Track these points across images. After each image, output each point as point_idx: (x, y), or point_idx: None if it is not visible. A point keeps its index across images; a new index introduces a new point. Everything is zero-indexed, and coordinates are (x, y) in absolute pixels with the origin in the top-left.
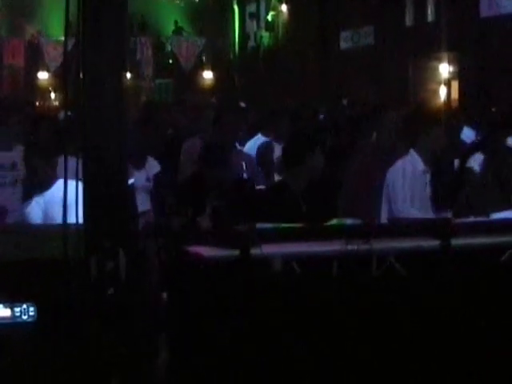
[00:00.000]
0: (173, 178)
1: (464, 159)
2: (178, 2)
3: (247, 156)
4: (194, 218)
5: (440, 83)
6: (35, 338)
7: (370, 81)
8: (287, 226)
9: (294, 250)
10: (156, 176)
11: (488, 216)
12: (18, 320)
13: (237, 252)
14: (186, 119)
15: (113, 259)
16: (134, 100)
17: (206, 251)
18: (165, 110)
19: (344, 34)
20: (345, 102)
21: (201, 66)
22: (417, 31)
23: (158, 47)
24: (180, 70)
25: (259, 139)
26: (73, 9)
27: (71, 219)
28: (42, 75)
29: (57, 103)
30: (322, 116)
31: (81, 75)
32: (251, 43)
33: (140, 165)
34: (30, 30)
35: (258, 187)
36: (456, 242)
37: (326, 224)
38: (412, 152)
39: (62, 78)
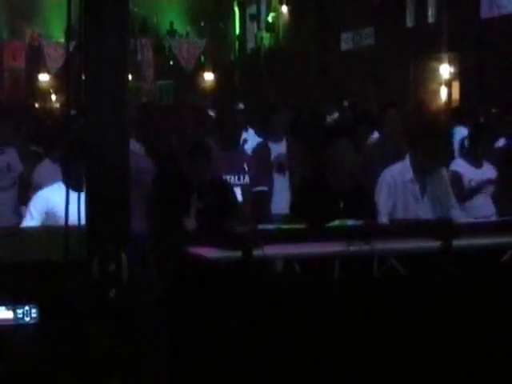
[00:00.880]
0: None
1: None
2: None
3: (248, 157)
4: (180, 220)
5: (441, 84)
6: (37, 340)
7: (370, 82)
8: (289, 227)
9: (296, 251)
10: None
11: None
12: (20, 322)
13: (239, 253)
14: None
15: (115, 261)
16: (134, 101)
17: (208, 252)
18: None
19: (345, 35)
20: (346, 102)
21: (201, 68)
22: (417, 32)
23: (159, 49)
24: (180, 72)
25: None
26: (74, 10)
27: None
28: (43, 77)
29: (57, 105)
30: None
31: (83, 76)
32: (252, 44)
33: None
34: (31, 32)
35: (259, 188)
36: (457, 242)
37: (327, 225)
38: (406, 160)
39: (63, 79)
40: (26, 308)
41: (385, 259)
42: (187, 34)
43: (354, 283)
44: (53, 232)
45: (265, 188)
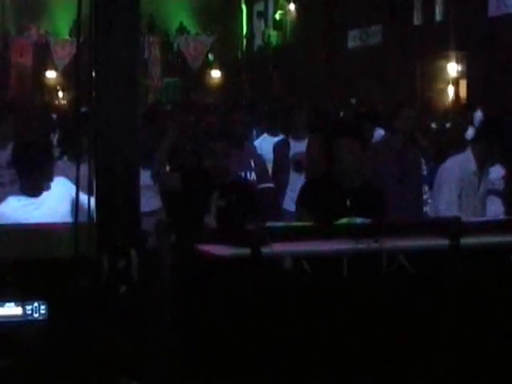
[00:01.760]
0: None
1: None
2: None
3: (255, 155)
4: (200, 218)
5: (448, 82)
6: (46, 336)
7: (377, 80)
8: (297, 225)
9: (305, 249)
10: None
11: None
12: (30, 318)
13: (247, 250)
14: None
15: (125, 257)
16: (141, 99)
17: (217, 249)
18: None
19: (352, 33)
20: (353, 100)
21: (209, 65)
22: (425, 30)
23: (166, 46)
24: (188, 69)
25: (265, 139)
26: (84, 7)
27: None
28: (50, 74)
29: (65, 102)
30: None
31: (93, 73)
32: (259, 42)
33: (145, 163)
34: (38, 29)
35: (264, 185)
36: (465, 240)
37: (336, 223)
38: (468, 151)
39: (71, 76)
40: (35, 304)
41: (393, 257)
42: (195, 31)
43: (363, 281)
44: (62, 228)
45: (270, 185)
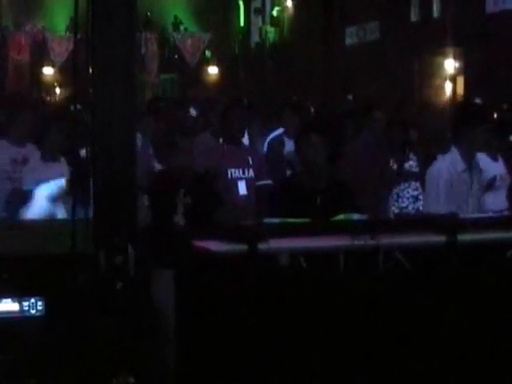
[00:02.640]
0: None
1: None
2: None
3: (253, 151)
4: (169, 218)
5: (445, 79)
6: (43, 332)
7: (375, 76)
8: (295, 221)
9: (302, 245)
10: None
11: None
12: (26, 314)
13: (245, 247)
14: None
15: (122, 254)
16: (138, 95)
17: (214, 246)
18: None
19: (349, 30)
20: (350, 97)
21: (206, 62)
22: (422, 27)
23: (163, 42)
24: (185, 65)
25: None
26: (81, 3)
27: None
28: (48, 70)
29: (62, 98)
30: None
31: (90, 69)
32: (256, 38)
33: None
34: (35, 26)
35: (262, 182)
36: (462, 237)
37: (332, 219)
38: (453, 150)
39: (69, 72)
40: (32, 300)
41: (390, 253)
42: (192, 28)
43: (359, 277)
44: (60, 225)
45: (269, 182)
